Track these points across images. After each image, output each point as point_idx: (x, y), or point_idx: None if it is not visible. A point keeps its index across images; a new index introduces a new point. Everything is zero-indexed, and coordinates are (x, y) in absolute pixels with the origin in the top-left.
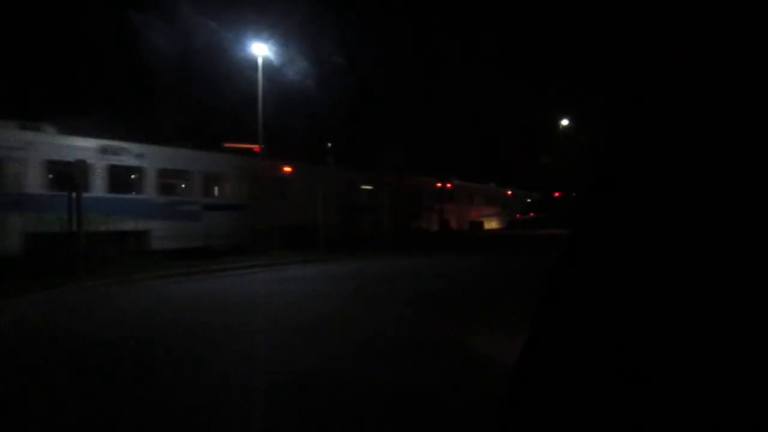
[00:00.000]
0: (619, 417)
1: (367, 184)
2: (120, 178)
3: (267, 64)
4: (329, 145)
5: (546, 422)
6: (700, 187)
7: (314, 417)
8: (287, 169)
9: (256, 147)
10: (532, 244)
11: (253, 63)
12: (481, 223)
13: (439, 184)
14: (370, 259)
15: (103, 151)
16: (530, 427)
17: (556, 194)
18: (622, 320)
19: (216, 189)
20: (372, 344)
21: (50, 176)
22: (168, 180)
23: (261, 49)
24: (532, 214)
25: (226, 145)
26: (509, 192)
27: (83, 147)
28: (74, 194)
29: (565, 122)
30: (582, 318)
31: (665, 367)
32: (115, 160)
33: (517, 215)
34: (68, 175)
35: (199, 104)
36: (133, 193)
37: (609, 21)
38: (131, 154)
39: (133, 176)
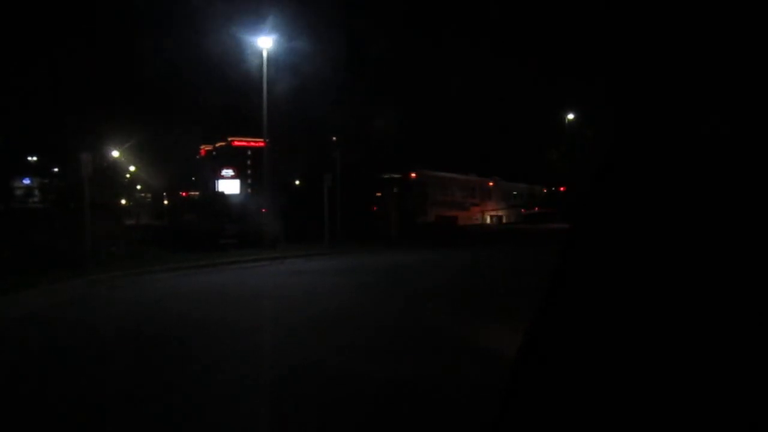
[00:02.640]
0: (618, 415)
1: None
2: None
3: (263, 54)
4: (334, 138)
5: (545, 417)
6: (699, 184)
7: (316, 410)
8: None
9: (261, 142)
10: (537, 239)
11: (254, 49)
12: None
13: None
14: (381, 253)
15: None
16: (530, 423)
17: (562, 189)
18: (622, 318)
19: None
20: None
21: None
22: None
23: (266, 42)
24: (536, 209)
25: (231, 138)
26: (518, 187)
27: None
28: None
29: (570, 116)
30: (582, 316)
31: (664, 365)
32: None
33: (522, 210)
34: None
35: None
36: None
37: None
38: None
39: None
